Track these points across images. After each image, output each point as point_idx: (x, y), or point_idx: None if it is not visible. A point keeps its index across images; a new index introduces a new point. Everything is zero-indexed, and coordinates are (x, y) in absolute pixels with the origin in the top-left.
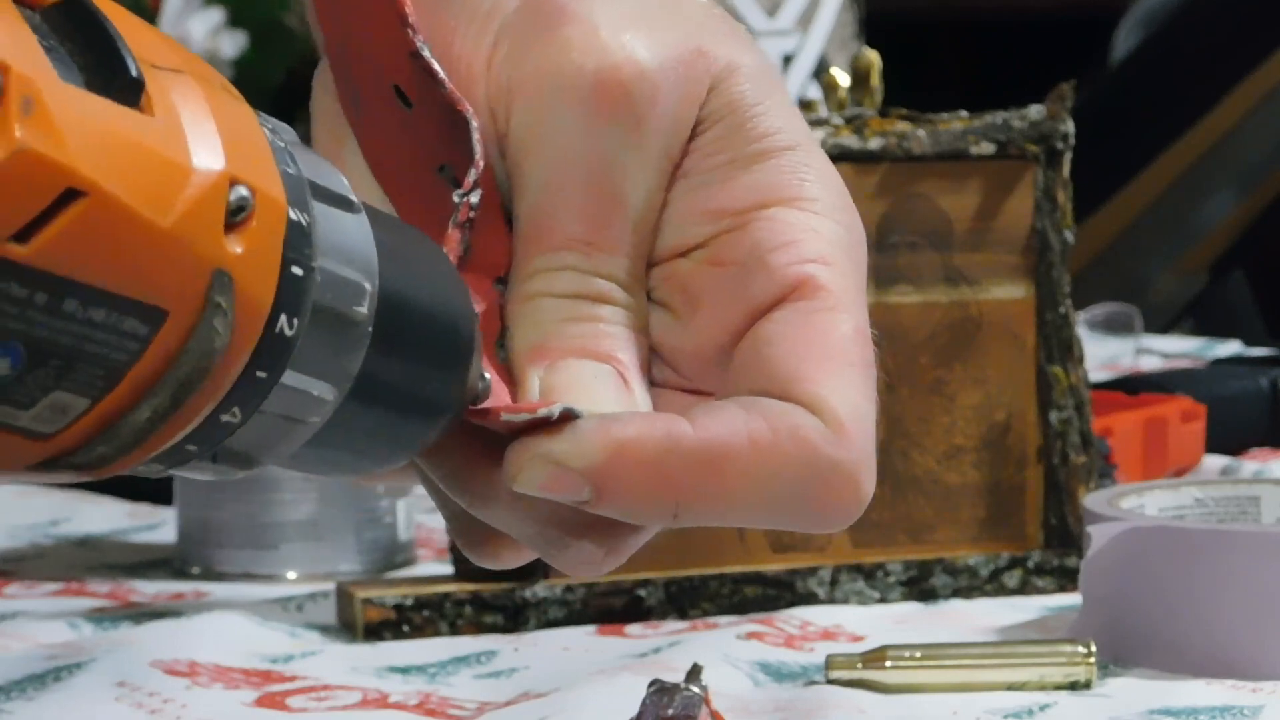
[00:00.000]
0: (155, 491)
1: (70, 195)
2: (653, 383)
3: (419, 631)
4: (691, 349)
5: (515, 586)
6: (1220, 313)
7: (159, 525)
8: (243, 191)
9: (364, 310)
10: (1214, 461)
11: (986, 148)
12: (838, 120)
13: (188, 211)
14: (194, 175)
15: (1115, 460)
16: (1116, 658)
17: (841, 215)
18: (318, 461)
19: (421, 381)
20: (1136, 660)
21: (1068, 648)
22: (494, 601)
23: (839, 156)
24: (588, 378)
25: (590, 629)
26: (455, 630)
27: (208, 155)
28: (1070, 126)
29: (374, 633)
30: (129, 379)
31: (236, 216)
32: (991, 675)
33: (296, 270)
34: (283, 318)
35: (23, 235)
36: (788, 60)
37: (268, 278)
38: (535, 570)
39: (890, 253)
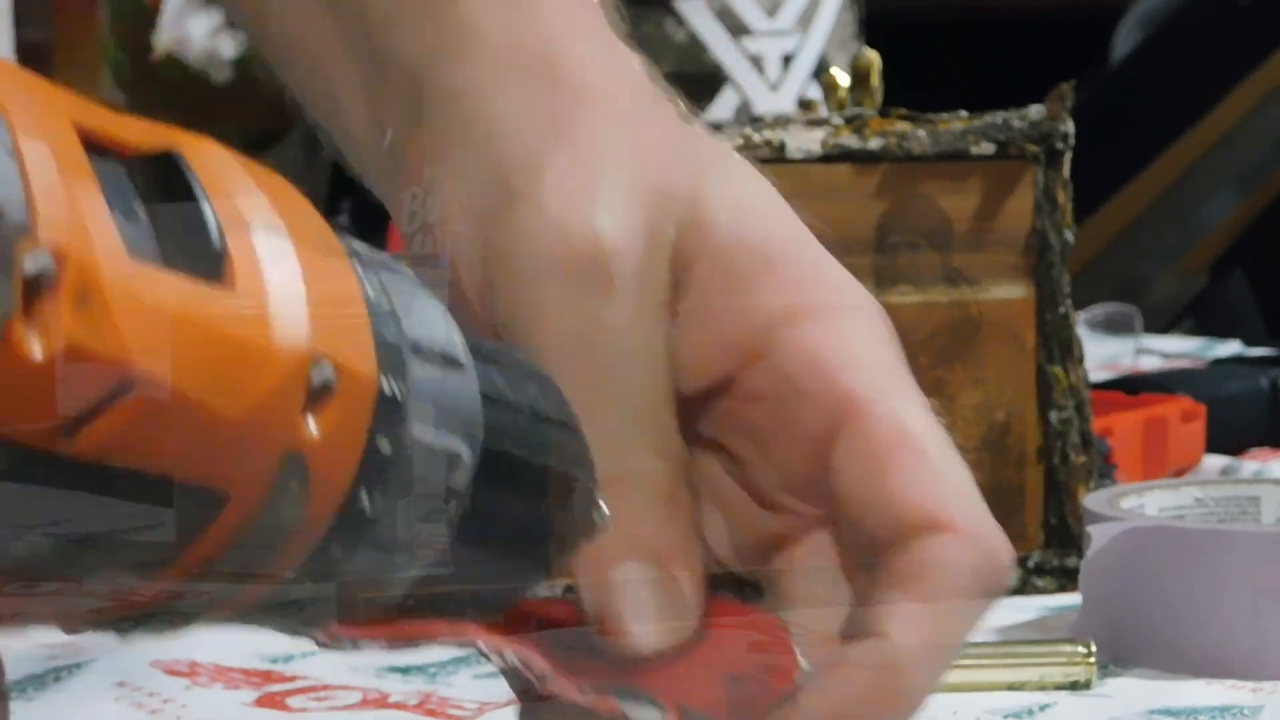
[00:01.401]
0: None
1: (124, 388)
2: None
3: None
4: (761, 486)
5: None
6: (1220, 313)
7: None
8: (327, 372)
9: (460, 483)
10: (1214, 461)
11: (986, 148)
12: (838, 120)
13: (261, 399)
14: (272, 357)
15: (1115, 460)
16: (1116, 658)
17: (850, 299)
18: None
19: (510, 547)
20: (1136, 660)
21: (1068, 648)
22: None
23: (839, 156)
24: (634, 587)
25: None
26: None
27: (291, 331)
28: (1070, 126)
29: None
30: (182, 559)
31: (318, 399)
32: (991, 675)
33: (384, 445)
34: (364, 494)
35: (71, 429)
36: (788, 60)
37: (348, 458)
38: None
39: (890, 253)
